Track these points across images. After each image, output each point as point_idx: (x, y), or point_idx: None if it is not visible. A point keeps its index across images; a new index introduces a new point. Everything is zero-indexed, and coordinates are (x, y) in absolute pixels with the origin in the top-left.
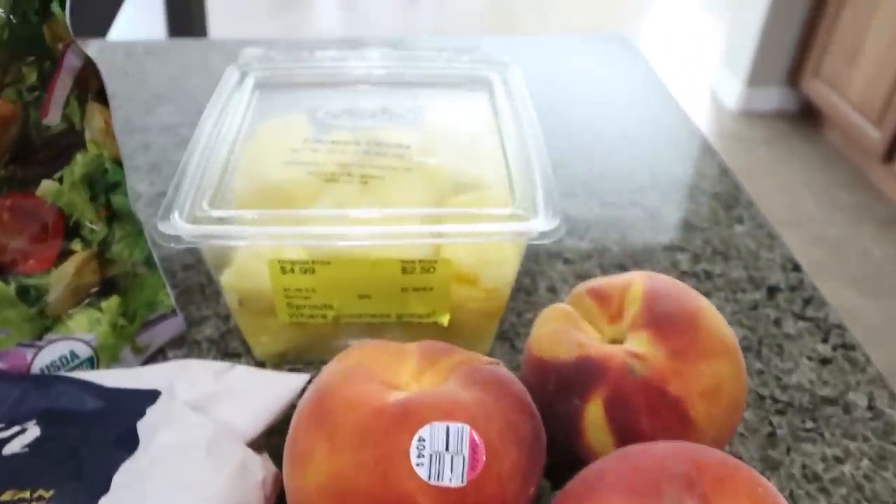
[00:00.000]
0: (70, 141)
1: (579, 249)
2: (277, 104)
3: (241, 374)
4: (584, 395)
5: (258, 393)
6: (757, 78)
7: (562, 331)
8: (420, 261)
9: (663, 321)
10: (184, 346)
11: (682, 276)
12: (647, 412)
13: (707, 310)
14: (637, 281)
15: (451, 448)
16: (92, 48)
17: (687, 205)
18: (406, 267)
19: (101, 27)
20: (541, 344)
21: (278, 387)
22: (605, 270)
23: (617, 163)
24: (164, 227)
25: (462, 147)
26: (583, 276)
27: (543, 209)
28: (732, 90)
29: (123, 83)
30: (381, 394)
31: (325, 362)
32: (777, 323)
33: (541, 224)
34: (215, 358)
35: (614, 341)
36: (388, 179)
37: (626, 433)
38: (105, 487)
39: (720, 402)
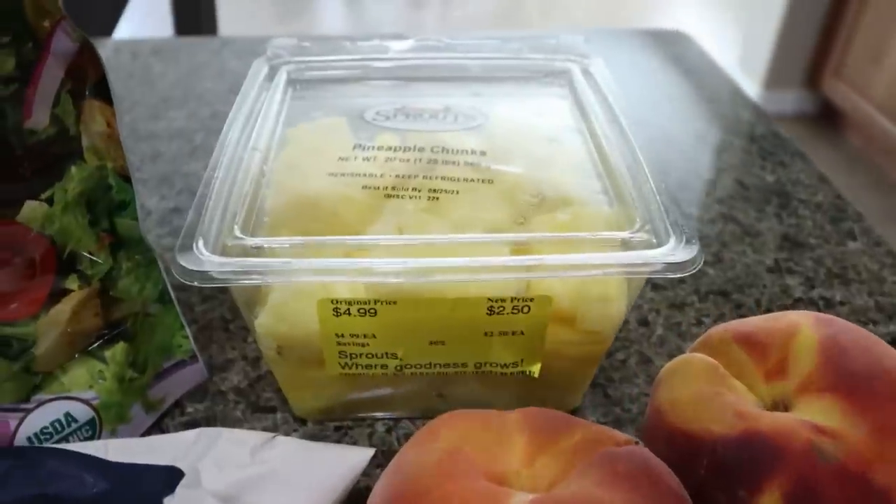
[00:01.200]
0: (62, 149)
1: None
2: (316, 103)
3: (285, 450)
4: (755, 487)
5: (309, 474)
6: (774, 80)
7: (710, 394)
8: (512, 299)
9: (857, 384)
10: (206, 398)
11: (797, 304)
12: None
13: None
14: (804, 325)
15: None
16: None
17: (786, 218)
18: (494, 307)
19: (104, 25)
20: (681, 410)
21: (335, 465)
22: (703, 298)
23: (695, 170)
24: (185, 261)
25: (545, 150)
26: (678, 306)
27: (672, 232)
28: (750, 93)
29: (128, 86)
30: (498, 496)
31: (378, 420)
32: None
33: (674, 252)
34: (244, 413)
35: (776, 404)
36: (462, 194)
37: None
38: None
39: None
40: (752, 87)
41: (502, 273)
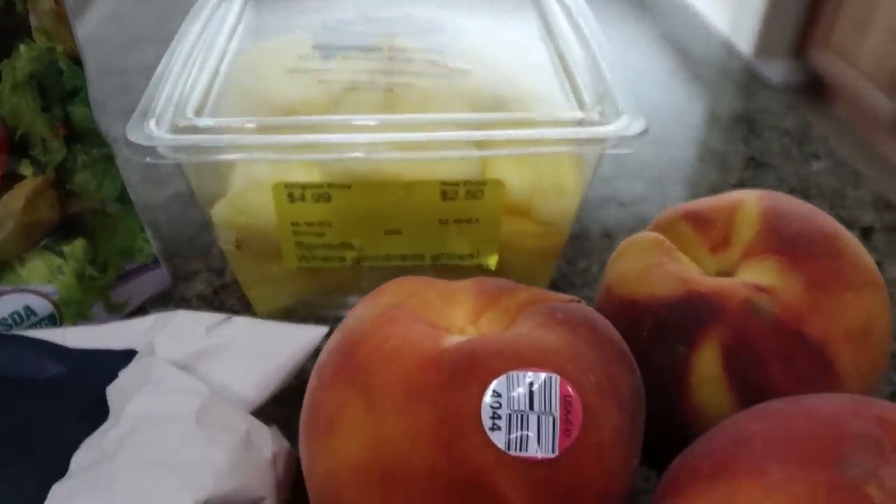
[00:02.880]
0: (9, 24)
1: (634, 191)
2: (275, 22)
3: (241, 328)
4: (693, 342)
5: (263, 349)
6: (763, 50)
7: (655, 264)
8: (465, 182)
9: (795, 244)
10: (170, 303)
11: None
12: (779, 361)
13: (844, 231)
14: (748, 200)
15: (536, 406)
16: None
17: (753, 141)
18: (447, 191)
19: None
20: (628, 282)
21: (288, 341)
22: None
23: (668, 102)
24: (135, 137)
25: (508, 56)
26: (642, 220)
27: (622, 112)
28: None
29: (97, 26)
30: (434, 338)
31: (341, 319)
32: (879, 267)
33: (623, 127)
34: None
35: (720, 274)
36: (420, 88)
37: (751, 390)
38: (62, 470)
39: (870, 344)
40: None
41: (454, 149)
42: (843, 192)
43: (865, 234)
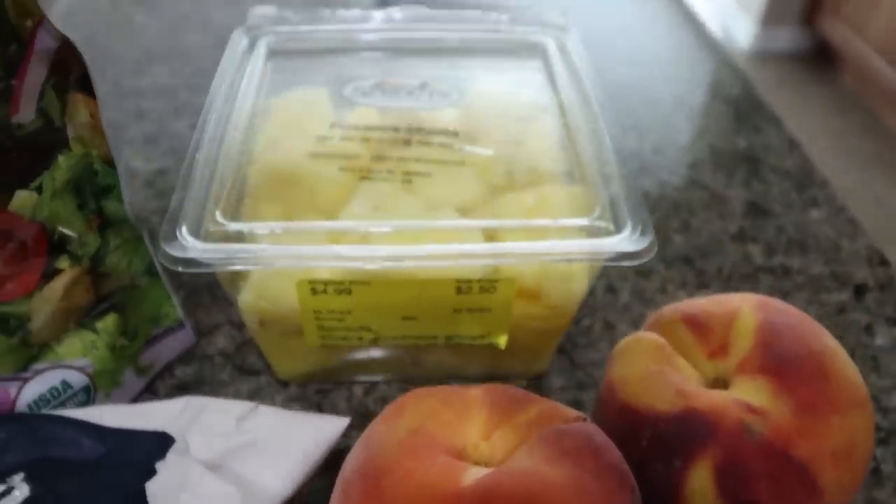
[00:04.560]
0: (49, 140)
1: None
2: (296, 76)
3: (267, 420)
4: (689, 458)
5: (290, 442)
6: (771, 17)
7: (656, 373)
8: (479, 280)
9: (786, 366)
10: (193, 361)
11: (758, 271)
12: (767, 479)
13: (833, 348)
14: (746, 310)
15: None
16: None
17: (755, 184)
18: (462, 287)
19: None
20: (630, 387)
21: (313, 434)
22: (669, 265)
23: (672, 135)
24: (170, 248)
25: (516, 130)
26: (644, 273)
27: (629, 219)
28: (745, 29)
29: (109, 38)
30: (453, 475)
31: (358, 383)
32: (869, 330)
33: (628, 242)
34: (230, 375)
35: (717, 381)
36: (435, 176)
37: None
38: None
39: (853, 461)
40: (748, 24)
41: (469, 259)
42: (840, 244)
43: (858, 292)
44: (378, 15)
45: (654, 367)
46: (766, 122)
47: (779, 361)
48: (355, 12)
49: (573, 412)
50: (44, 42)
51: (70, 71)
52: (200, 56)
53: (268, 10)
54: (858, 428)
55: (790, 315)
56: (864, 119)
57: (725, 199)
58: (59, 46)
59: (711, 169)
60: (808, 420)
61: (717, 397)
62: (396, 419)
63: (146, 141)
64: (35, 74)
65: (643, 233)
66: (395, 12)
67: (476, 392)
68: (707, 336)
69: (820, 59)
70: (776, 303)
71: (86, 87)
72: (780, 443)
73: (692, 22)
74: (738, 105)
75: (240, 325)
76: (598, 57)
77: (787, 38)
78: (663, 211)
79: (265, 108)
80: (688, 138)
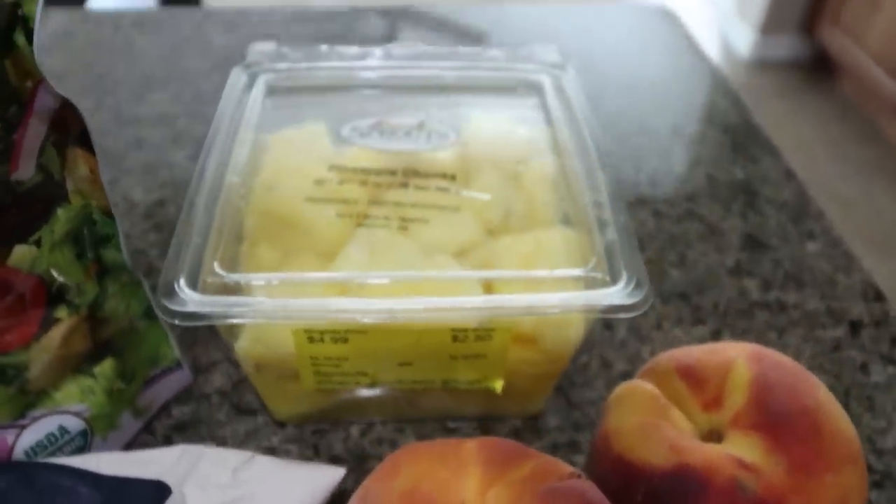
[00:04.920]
0: (49, 193)
1: None
2: (295, 114)
3: (263, 470)
4: None
5: (286, 494)
6: (771, 25)
7: (651, 425)
8: (475, 329)
9: (779, 423)
10: (191, 400)
11: (753, 307)
12: None
13: (827, 403)
14: (740, 362)
15: None
16: (72, 20)
17: (751, 216)
18: (458, 335)
19: None
20: (624, 439)
21: (309, 484)
22: (665, 300)
23: (668, 165)
24: (168, 302)
25: (513, 171)
26: None
27: (624, 272)
28: (745, 38)
29: (110, 62)
30: None
31: (353, 423)
32: (864, 369)
33: (623, 295)
34: (227, 415)
35: (711, 433)
36: (432, 222)
37: None
38: None
39: None
40: (748, 32)
41: (465, 313)
42: (835, 279)
43: (854, 329)
44: (376, 52)
45: (648, 420)
46: (763, 152)
47: (772, 418)
48: (354, 49)
49: (567, 468)
50: (44, 102)
51: (69, 128)
52: (200, 81)
53: (267, 47)
54: (851, 485)
55: (784, 368)
56: (863, 127)
57: (722, 231)
58: (59, 105)
59: (708, 200)
60: (801, 478)
61: (711, 452)
62: (391, 479)
63: (145, 171)
64: (35, 133)
65: (638, 285)
66: (394, 49)
67: (471, 446)
68: (702, 388)
69: (819, 67)
70: (771, 354)
71: (85, 143)
72: (773, 500)
73: (690, 46)
74: (734, 133)
75: (237, 363)
76: (595, 83)
77: (787, 46)
78: (660, 243)
79: (263, 146)
80: (684, 168)
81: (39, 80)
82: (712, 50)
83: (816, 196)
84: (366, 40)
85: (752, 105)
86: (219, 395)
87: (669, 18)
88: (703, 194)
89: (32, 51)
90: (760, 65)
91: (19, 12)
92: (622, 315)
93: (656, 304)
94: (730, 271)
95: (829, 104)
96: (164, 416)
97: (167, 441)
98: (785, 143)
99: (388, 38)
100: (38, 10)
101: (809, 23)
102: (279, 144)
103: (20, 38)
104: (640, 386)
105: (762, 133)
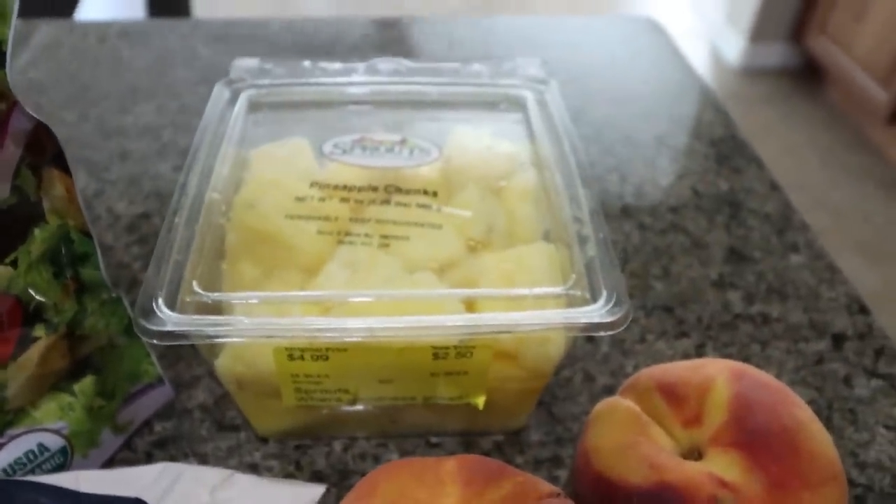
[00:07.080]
0: (25, 214)
1: None
2: (277, 130)
3: (242, 488)
4: None
5: None
6: (760, 33)
7: (631, 444)
8: (455, 346)
9: (758, 442)
10: (172, 416)
11: (737, 319)
12: None
13: (807, 422)
14: (720, 381)
15: None
16: (59, 30)
17: (735, 228)
18: (438, 353)
19: (67, 4)
20: (604, 458)
21: (287, 503)
22: (649, 313)
23: (654, 177)
24: (146, 322)
25: (495, 187)
26: None
27: (604, 290)
28: (735, 46)
29: (95, 73)
30: None
31: (336, 438)
32: (847, 381)
33: (603, 312)
34: (209, 431)
35: (691, 450)
36: (413, 239)
37: None
38: None
39: None
40: (737, 40)
41: (446, 331)
42: (819, 291)
43: (837, 342)
44: (359, 67)
45: (629, 438)
46: (748, 164)
47: (751, 437)
48: (337, 65)
49: (548, 487)
50: (18, 124)
51: (45, 150)
52: (186, 92)
53: (250, 63)
54: (830, 503)
55: (765, 387)
56: (851, 134)
57: (706, 243)
58: (34, 127)
59: (693, 212)
60: (779, 496)
61: (690, 470)
62: (369, 498)
63: (129, 183)
64: (9, 156)
65: (617, 303)
66: (377, 64)
67: (450, 465)
68: (682, 406)
69: (807, 74)
70: (752, 373)
71: (61, 164)
72: None
73: (677, 58)
74: (720, 146)
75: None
76: (582, 94)
77: (776, 54)
78: (644, 256)
79: (245, 162)
80: (670, 180)
81: (14, 103)
82: (702, 58)
83: (805, 203)
84: (354, 51)
85: (741, 112)
86: (201, 410)
87: (657, 30)
88: (688, 206)
89: (5, 73)
90: (750, 73)
91: None
92: (602, 333)
93: (640, 317)
94: (714, 284)
95: (818, 111)
96: (145, 432)
97: (148, 457)
98: (774, 149)
99: (378, 48)
100: (10, 34)
101: (798, 31)
102: (261, 160)
103: None
104: (620, 403)
105: (747, 145)
